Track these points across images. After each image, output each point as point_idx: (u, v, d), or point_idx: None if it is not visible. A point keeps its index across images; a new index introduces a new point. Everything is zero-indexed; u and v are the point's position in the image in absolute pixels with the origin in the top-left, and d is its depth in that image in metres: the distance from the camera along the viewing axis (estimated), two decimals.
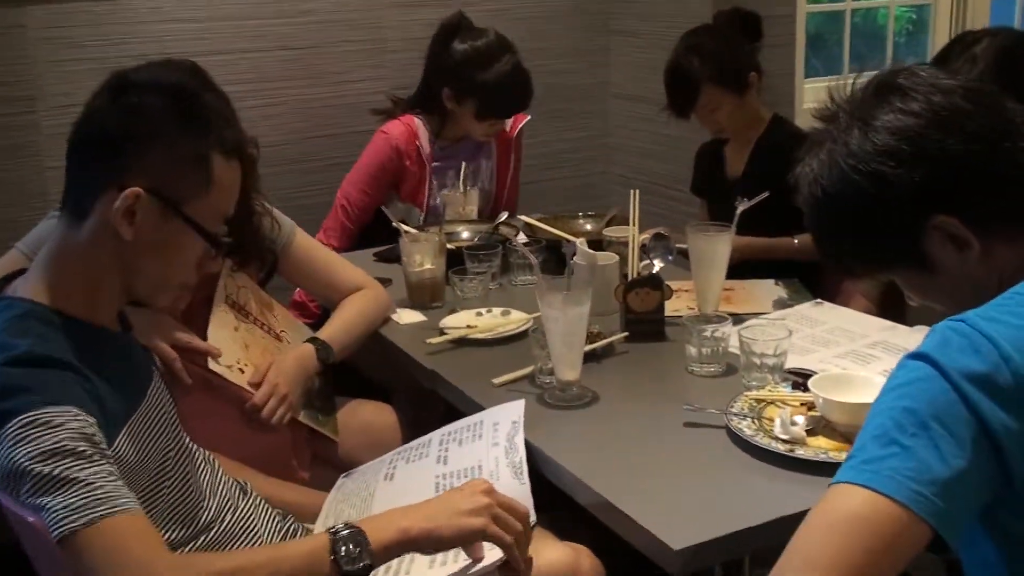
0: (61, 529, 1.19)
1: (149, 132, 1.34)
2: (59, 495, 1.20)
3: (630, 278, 2.06)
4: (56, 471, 1.21)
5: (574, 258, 2.16)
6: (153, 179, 1.33)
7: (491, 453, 1.62)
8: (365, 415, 2.18)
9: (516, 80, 2.88)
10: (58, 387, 1.27)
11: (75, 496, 1.20)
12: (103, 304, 1.41)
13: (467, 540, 1.34)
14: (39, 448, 1.21)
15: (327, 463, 2.09)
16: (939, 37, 3.98)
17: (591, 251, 2.17)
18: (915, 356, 1.10)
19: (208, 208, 1.38)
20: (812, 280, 2.50)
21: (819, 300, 2.23)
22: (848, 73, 3.87)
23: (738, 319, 2.01)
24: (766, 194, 2.15)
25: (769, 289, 2.35)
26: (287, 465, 1.97)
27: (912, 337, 1.97)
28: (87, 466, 1.22)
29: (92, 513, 1.19)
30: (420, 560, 1.46)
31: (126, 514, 1.21)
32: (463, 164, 2.90)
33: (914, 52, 4.04)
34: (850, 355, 1.90)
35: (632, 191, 2.14)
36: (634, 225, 2.12)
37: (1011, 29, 2.17)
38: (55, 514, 1.19)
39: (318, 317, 2.55)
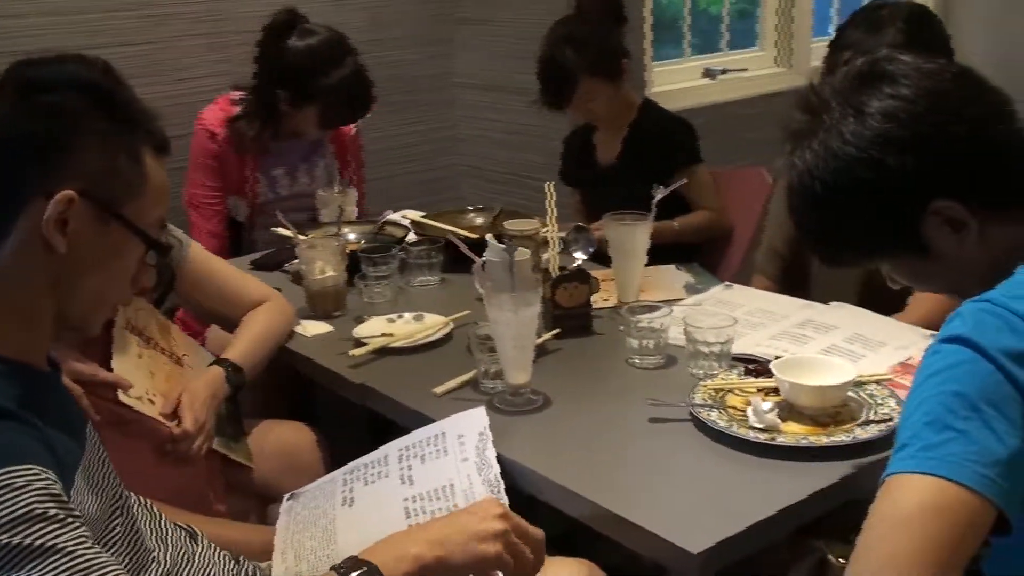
0: None
1: (76, 131, 1.18)
2: (36, 569, 1.04)
3: (552, 272, 2.00)
4: (28, 541, 1.04)
5: (485, 255, 2.08)
6: (85, 182, 1.17)
7: (462, 470, 1.52)
8: (280, 436, 2.03)
9: (360, 84, 2.72)
10: (9, 443, 1.09)
11: (55, 568, 1.04)
12: (37, 338, 1.23)
13: (480, 568, 1.24)
14: (3, 516, 1.04)
15: (242, 492, 1.95)
16: (767, 18, 4.11)
17: (505, 247, 2.09)
18: (950, 340, 1.09)
19: (144, 210, 1.23)
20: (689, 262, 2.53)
21: (728, 283, 2.24)
22: (689, 56, 3.95)
23: (654, 308, 1.98)
24: (684, 180, 2.14)
25: (674, 275, 2.34)
26: (203, 498, 1.81)
27: (832, 314, 2.00)
28: (61, 531, 1.06)
29: None
30: None
31: None
32: (324, 162, 2.75)
33: (745, 35, 4.16)
34: (784, 336, 1.91)
35: (547, 183, 2.08)
36: (552, 219, 2.06)
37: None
38: None
39: None
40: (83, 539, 1.07)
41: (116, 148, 1.19)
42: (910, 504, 1.01)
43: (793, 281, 2.31)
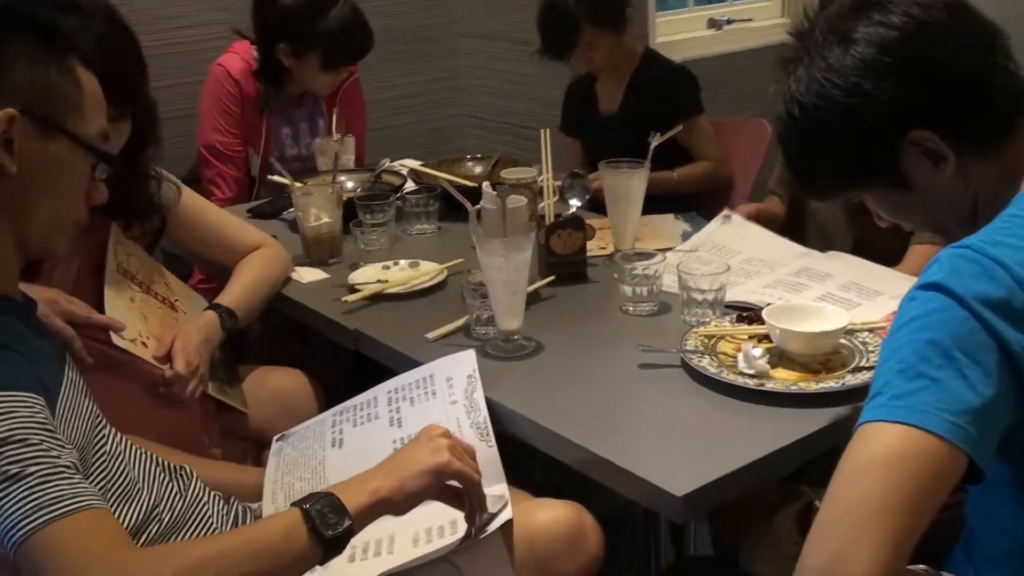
0: (19, 532, 1.04)
1: (1, 50, 1.18)
2: (11, 494, 1.05)
3: (547, 220, 2.00)
4: (5, 467, 1.05)
5: (482, 202, 2.07)
6: (22, 100, 1.17)
7: (450, 413, 1.52)
8: (275, 382, 2.04)
9: (357, 22, 2.73)
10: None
11: (16, 496, 1.05)
12: (4, 268, 1.24)
13: (435, 482, 1.26)
14: None
15: (237, 437, 1.96)
16: None
17: (498, 192, 2.08)
18: (927, 287, 1.07)
19: (85, 122, 1.24)
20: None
21: (727, 213, 2.20)
22: (693, 6, 3.91)
23: (650, 255, 1.97)
24: (679, 127, 2.12)
25: (672, 224, 2.34)
26: (197, 442, 1.82)
27: (828, 262, 1.99)
28: (37, 458, 1.07)
29: (51, 512, 1.05)
30: (403, 538, 1.37)
31: (87, 511, 1.07)
32: (334, 110, 2.76)
33: None
34: (780, 284, 1.90)
35: (543, 130, 2.06)
36: (547, 165, 2.05)
37: None
38: (9, 517, 1.04)
39: None
40: (59, 470, 1.08)
41: (45, 63, 1.20)
42: (878, 452, 1.00)
43: (793, 217, 2.30)
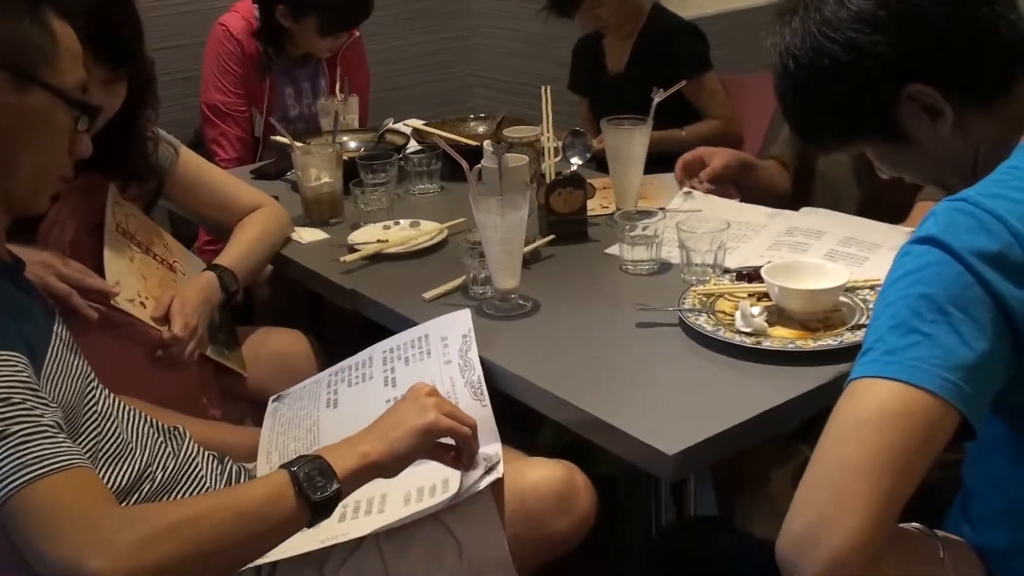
0: (0, 491, 1.04)
1: None
2: None
3: (548, 179, 1.97)
4: None
5: (481, 161, 2.05)
6: None
7: (444, 372, 1.51)
8: (275, 344, 2.03)
9: None
10: None
11: (11, 452, 1.05)
12: None
13: (424, 442, 1.26)
14: None
15: (238, 399, 1.96)
16: None
17: (494, 151, 2.05)
18: (921, 240, 1.05)
19: (63, 73, 1.22)
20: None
21: (688, 190, 2.16)
22: None
23: (651, 214, 1.93)
24: (683, 83, 2.09)
25: (676, 183, 2.29)
26: (197, 403, 1.82)
27: (810, 219, 1.95)
28: (20, 418, 1.07)
29: (33, 471, 1.04)
30: (394, 497, 1.37)
31: (70, 471, 1.07)
32: (338, 71, 2.74)
33: None
34: (781, 245, 1.86)
35: (544, 87, 2.03)
36: (547, 124, 2.02)
37: None
38: None
39: None
40: (42, 428, 1.07)
41: (17, 14, 1.19)
42: (868, 409, 0.98)
43: (801, 175, 2.26)
